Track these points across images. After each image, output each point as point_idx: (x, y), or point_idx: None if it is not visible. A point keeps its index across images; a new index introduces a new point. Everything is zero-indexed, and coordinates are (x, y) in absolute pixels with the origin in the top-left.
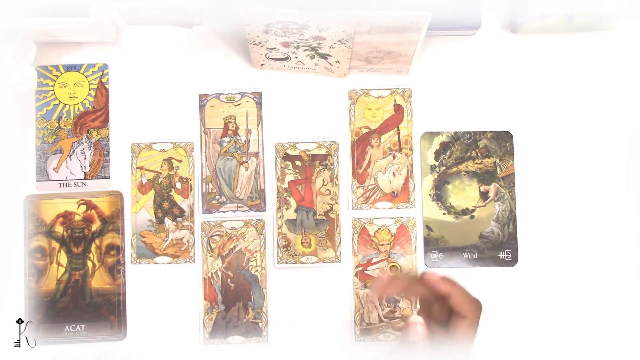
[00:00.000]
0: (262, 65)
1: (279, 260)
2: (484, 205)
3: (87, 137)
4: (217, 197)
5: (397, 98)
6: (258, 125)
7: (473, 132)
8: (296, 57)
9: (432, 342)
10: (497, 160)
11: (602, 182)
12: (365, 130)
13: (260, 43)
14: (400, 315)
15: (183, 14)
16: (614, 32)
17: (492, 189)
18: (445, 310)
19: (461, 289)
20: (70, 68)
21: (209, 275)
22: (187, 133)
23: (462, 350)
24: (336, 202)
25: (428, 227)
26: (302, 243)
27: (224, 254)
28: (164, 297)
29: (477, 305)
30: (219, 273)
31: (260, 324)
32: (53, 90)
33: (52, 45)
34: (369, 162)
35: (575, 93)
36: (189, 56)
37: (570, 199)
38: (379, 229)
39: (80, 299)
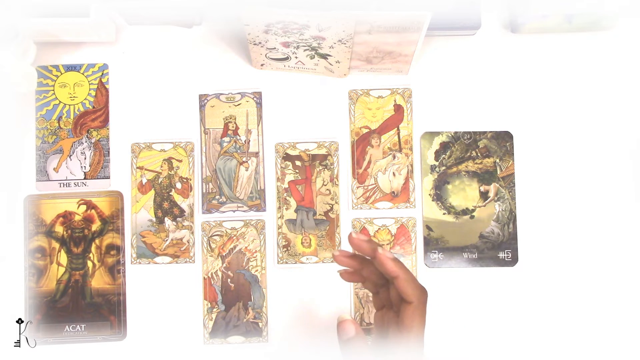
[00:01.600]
0: (262, 65)
1: (279, 260)
2: (484, 205)
3: (87, 137)
4: (217, 197)
5: (397, 98)
6: (258, 125)
7: (473, 132)
8: (296, 57)
9: (371, 336)
10: (497, 160)
11: (602, 182)
12: (365, 130)
13: (260, 43)
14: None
15: (183, 14)
16: (614, 32)
17: (492, 189)
18: (394, 296)
19: (409, 274)
20: (70, 68)
21: (209, 275)
22: (187, 133)
23: (413, 341)
24: (336, 202)
25: (428, 227)
26: (302, 243)
27: (224, 254)
28: (164, 297)
29: (422, 291)
30: (219, 273)
31: (260, 324)
32: (53, 90)
33: (52, 45)
34: (369, 162)
35: (575, 93)
36: (189, 56)
37: (570, 199)
38: (379, 229)
39: (80, 299)
